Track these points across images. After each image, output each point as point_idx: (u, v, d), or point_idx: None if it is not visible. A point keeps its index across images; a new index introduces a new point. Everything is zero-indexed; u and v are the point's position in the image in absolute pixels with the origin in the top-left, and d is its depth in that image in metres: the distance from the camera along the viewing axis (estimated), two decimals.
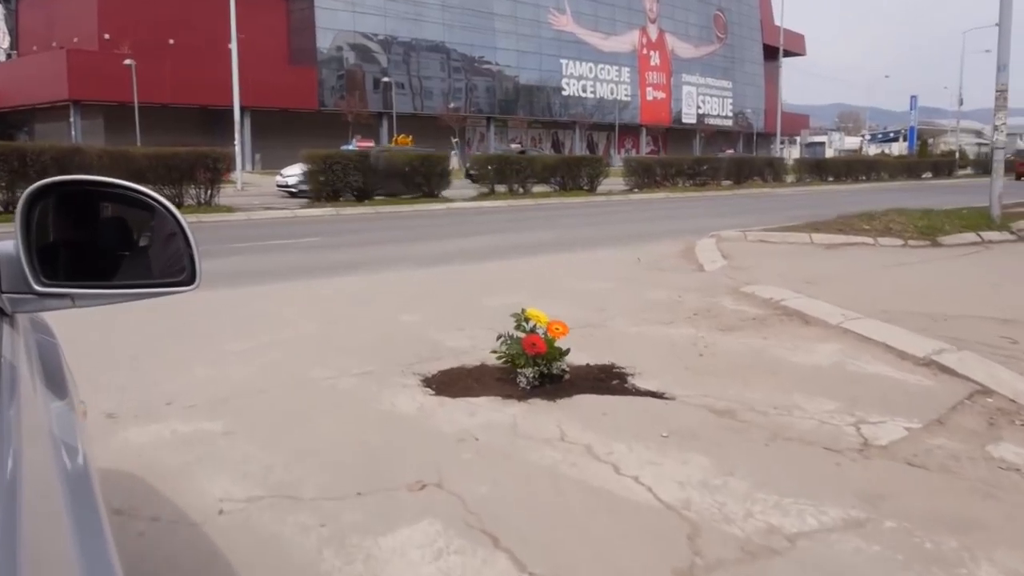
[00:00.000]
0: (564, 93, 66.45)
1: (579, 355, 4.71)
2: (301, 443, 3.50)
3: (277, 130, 46.79)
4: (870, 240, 11.68)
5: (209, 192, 17.32)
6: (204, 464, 3.24)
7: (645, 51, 72.81)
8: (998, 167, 13.42)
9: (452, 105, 56.15)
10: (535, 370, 4.39)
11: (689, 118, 76.91)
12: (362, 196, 19.90)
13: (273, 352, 5.20)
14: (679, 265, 9.47)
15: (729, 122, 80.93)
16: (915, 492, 3.06)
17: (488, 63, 60.88)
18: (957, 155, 62.16)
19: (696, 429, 3.73)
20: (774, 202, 23.84)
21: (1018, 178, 38.02)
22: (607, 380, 4.64)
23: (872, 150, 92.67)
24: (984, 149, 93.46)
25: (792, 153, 63.37)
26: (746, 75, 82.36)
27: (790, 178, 35.51)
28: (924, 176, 44.99)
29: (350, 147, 27.77)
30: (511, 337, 4.57)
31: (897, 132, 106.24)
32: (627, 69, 71.04)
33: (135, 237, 1.48)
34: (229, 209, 17.32)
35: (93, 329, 5.30)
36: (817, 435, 3.67)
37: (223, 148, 19.23)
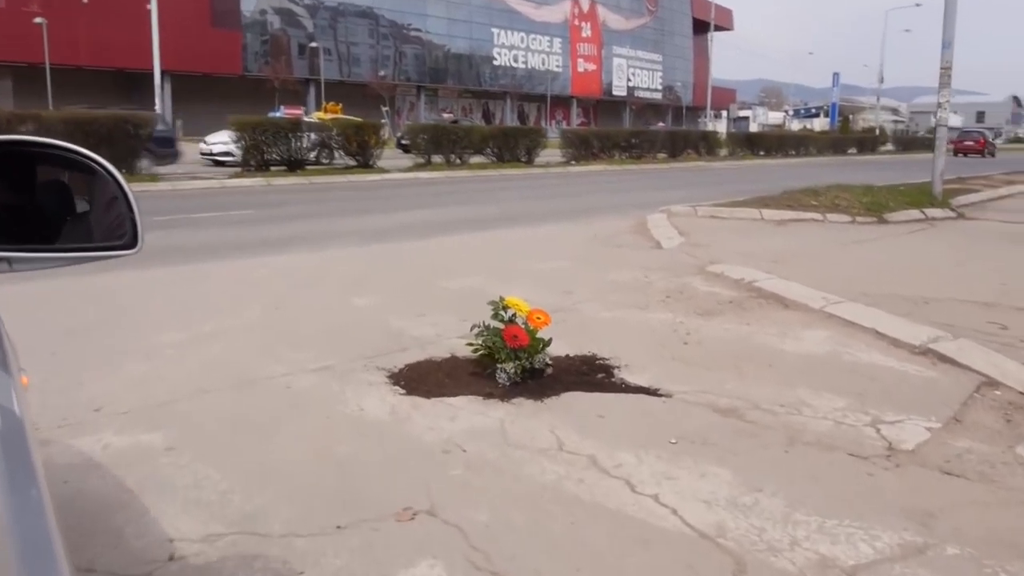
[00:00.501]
0: (495, 63, 65.59)
1: (556, 344, 4.27)
2: (260, 460, 2.99)
3: (199, 96, 44.83)
4: (819, 216, 11.57)
5: (131, 159, 16.20)
6: (146, 491, 2.71)
7: (576, 22, 72.32)
8: (941, 144, 13.47)
9: (381, 73, 54.78)
10: (516, 365, 3.96)
11: (620, 91, 76.92)
12: (293, 166, 19.01)
13: (214, 344, 4.63)
14: (635, 242, 9.13)
15: (659, 95, 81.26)
16: (964, 508, 2.74)
17: (418, 30, 59.52)
18: (877, 132, 63.71)
19: (705, 433, 3.36)
20: (712, 176, 23.81)
21: (955, 155, 39.46)
22: (592, 374, 4.24)
23: (795, 125, 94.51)
24: (900, 126, 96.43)
25: (719, 127, 64.02)
26: (676, 48, 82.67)
27: (723, 152, 35.68)
28: (849, 152, 45.87)
29: (277, 114, 26.61)
30: (487, 327, 4.12)
31: (819, 108, 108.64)
32: (558, 40, 70.49)
33: (76, 200, 1.43)
34: (153, 178, 16.27)
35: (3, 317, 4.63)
36: (836, 438, 3.34)
37: (144, 113, 18.05)
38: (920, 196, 13.36)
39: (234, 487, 2.74)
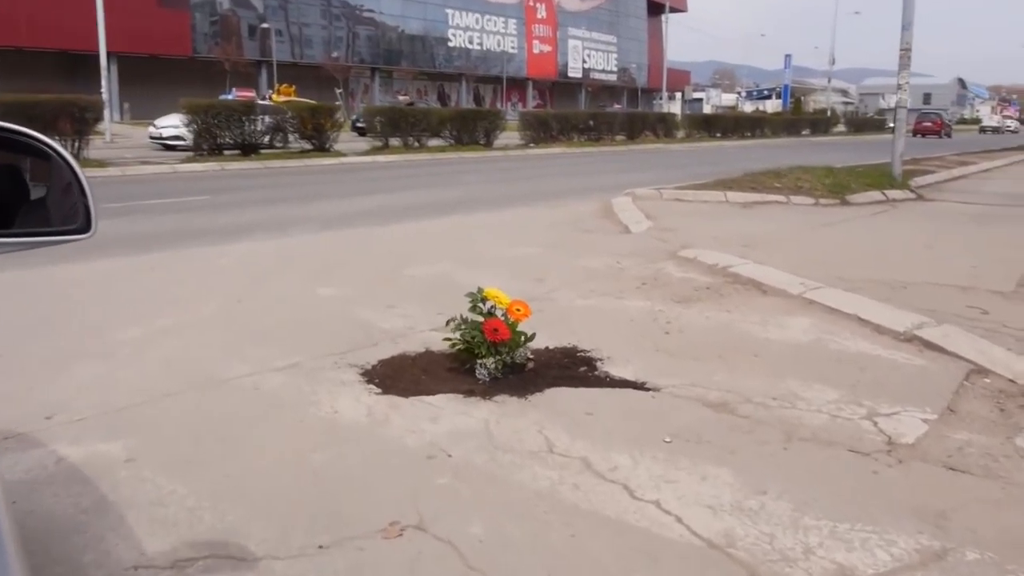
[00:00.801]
0: (450, 44, 64.80)
1: (536, 336, 4.10)
2: (230, 471, 2.77)
3: (147, 78, 43.54)
4: (783, 198, 11.55)
5: (77, 144, 15.54)
6: (106, 510, 2.47)
7: (531, 3, 71.71)
8: (901, 126, 13.53)
9: (334, 55, 53.80)
10: (497, 360, 3.77)
11: (575, 72, 76.62)
12: (247, 150, 18.50)
13: (173, 340, 4.36)
14: (603, 226, 8.98)
15: (614, 77, 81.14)
16: (974, 507, 2.63)
17: (371, 11, 58.49)
18: (829, 113, 64.57)
19: (699, 430, 3.21)
20: (671, 158, 23.79)
21: (914, 135, 40.56)
22: (574, 367, 4.07)
23: (747, 107, 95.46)
24: (850, 108, 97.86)
25: (673, 109, 64.34)
26: (630, 30, 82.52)
27: (681, 134, 35.75)
28: (803, 133, 46.33)
29: (229, 97, 25.92)
30: (465, 321, 3.92)
31: (771, 90, 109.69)
32: (514, 21, 69.87)
33: (29, 184, 1.39)
34: (101, 164, 15.67)
35: None
36: (834, 433, 3.22)
37: (90, 96, 17.36)
38: (880, 178, 13.45)
39: (203, 503, 2.52)
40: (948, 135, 50.64)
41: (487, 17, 67.52)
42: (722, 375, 3.90)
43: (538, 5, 72.49)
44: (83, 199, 1.32)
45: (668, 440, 3.11)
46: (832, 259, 6.80)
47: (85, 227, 1.32)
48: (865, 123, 61.65)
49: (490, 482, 2.73)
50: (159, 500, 2.53)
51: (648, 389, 3.71)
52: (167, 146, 21.15)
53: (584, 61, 77.99)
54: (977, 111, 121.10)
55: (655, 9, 78.76)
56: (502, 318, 3.88)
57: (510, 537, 2.36)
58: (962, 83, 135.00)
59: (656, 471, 2.84)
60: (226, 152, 18.21)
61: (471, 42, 66.53)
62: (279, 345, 4.25)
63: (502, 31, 69.07)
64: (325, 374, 3.81)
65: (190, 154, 18.05)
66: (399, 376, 3.85)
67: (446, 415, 3.32)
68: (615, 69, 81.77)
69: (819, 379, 3.85)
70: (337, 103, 30.27)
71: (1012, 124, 77.01)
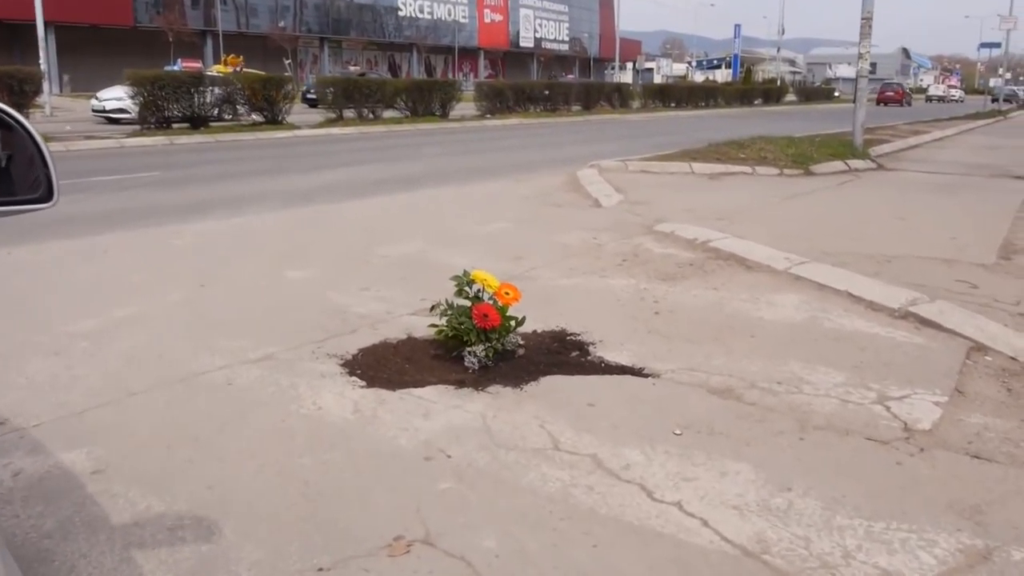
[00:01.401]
0: (400, 14, 63.55)
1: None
2: (210, 481, 2.51)
3: (88, 49, 41.87)
4: (748, 169, 11.46)
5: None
6: (73, 533, 2.20)
7: None
8: (862, 96, 13.49)
9: (281, 24, 52.38)
10: (487, 347, 3.56)
11: (527, 42, 75.86)
12: (197, 123, 17.85)
13: (134, 332, 4.05)
14: (573, 200, 8.77)
15: (566, 47, 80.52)
16: (1010, 500, 2.50)
17: None
18: (779, 83, 65.04)
19: (709, 420, 3.04)
20: (630, 128, 23.62)
21: (877, 104, 42.47)
22: (565, 352, 3.87)
23: (698, 77, 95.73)
24: (798, 77, 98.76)
25: (624, 79, 64.18)
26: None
27: (636, 104, 35.60)
28: (756, 103, 46.54)
29: (175, 68, 25.02)
30: (451, 306, 3.69)
31: (721, 60, 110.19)
32: None
33: None
34: (43, 138, 14.92)
35: None
36: (847, 420, 3.07)
37: (28, 68, 16.53)
38: (840, 147, 13.43)
39: (183, 521, 2.27)
40: (909, 103, 53.61)
41: None
42: (721, 358, 3.74)
43: None
44: (44, 168, 1.34)
45: (678, 432, 2.93)
46: (809, 232, 6.69)
47: (47, 196, 1.35)
48: (814, 92, 62.28)
49: (497, 486, 2.52)
50: (134, 520, 2.27)
51: (647, 375, 3.53)
52: (111, 119, 20.33)
53: (536, 31, 77.23)
54: (921, 80, 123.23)
55: None
56: (490, 302, 3.66)
57: (528, 551, 2.16)
58: (906, 53, 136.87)
59: (672, 468, 2.66)
60: (174, 125, 17.52)
61: (421, 11, 65.34)
62: (250, 334, 3.97)
63: (453, 0, 68.03)
64: (303, 365, 3.56)
65: (136, 128, 17.32)
66: (382, 366, 3.61)
67: (439, 410, 3.10)
68: (567, 39, 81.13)
69: (821, 361, 3.71)
70: (287, 74, 29.47)
71: (957, 94, 79.29)
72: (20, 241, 5.98)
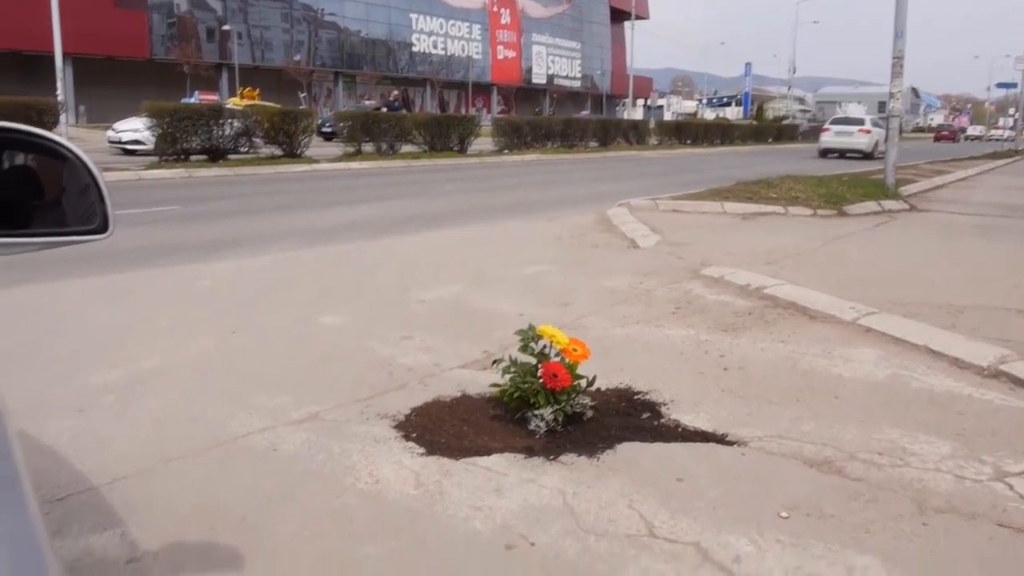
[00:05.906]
0: (414, 49, 64.11)
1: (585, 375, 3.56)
2: (263, 573, 2.18)
3: (104, 81, 42.20)
4: (780, 209, 11.18)
5: None
6: None
7: (495, 8, 71.31)
8: (894, 135, 13.25)
9: (296, 58, 52.78)
10: (556, 410, 3.23)
11: (539, 78, 76.34)
12: (215, 156, 17.69)
13: (164, 384, 3.73)
14: (608, 240, 8.47)
15: (578, 84, 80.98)
16: None
17: (333, 15, 57.56)
18: (791, 121, 65.09)
19: (816, 500, 2.69)
20: (650, 166, 23.41)
21: (935, 141, 48.38)
22: (636, 414, 3.53)
23: (708, 114, 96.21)
24: (807, 115, 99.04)
25: (635, 115, 64.38)
26: (594, 37, 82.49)
27: (653, 141, 35.47)
28: (769, 140, 46.42)
29: (192, 100, 25.00)
30: (515, 363, 3.37)
31: (731, 97, 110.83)
32: (478, 26, 69.40)
33: (44, 186, 1.39)
34: (99, 169, 14.76)
35: None
36: (970, 500, 2.72)
37: (46, 99, 16.44)
38: (872, 187, 13.17)
39: None
40: (957, 140, 65.05)
41: (451, 22, 66.97)
42: (809, 423, 3.39)
43: (502, 11, 72.10)
44: (99, 199, 1.32)
45: (785, 515, 2.59)
46: (864, 277, 6.37)
47: (103, 227, 1.33)
48: None
49: None
50: None
51: (732, 443, 3.19)
52: (126, 151, 20.25)
53: (548, 67, 77.75)
54: (931, 120, 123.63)
55: (618, 16, 78.93)
56: (557, 359, 3.34)
57: None
58: (915, 92, 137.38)
59: (789, 561, 2.31)
60: (192, 158, 17.37)
61: (435, 47, 65.91)
62: (290, 390, 3.64)
63: (466, 36, 68.55)
64: (352, 428, 3.23)
65: (154, 160, 17.17)
66: (438, 429, 3.28)
67: (511, 484, 2.76)
68: (579, 75, 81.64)
69: (919, 427, 3.36)
70: (302, 107, 29.44)
71: (1003, 133, 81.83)
72: (39, 278, 5.71)
